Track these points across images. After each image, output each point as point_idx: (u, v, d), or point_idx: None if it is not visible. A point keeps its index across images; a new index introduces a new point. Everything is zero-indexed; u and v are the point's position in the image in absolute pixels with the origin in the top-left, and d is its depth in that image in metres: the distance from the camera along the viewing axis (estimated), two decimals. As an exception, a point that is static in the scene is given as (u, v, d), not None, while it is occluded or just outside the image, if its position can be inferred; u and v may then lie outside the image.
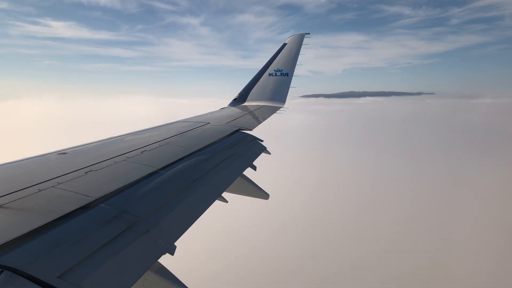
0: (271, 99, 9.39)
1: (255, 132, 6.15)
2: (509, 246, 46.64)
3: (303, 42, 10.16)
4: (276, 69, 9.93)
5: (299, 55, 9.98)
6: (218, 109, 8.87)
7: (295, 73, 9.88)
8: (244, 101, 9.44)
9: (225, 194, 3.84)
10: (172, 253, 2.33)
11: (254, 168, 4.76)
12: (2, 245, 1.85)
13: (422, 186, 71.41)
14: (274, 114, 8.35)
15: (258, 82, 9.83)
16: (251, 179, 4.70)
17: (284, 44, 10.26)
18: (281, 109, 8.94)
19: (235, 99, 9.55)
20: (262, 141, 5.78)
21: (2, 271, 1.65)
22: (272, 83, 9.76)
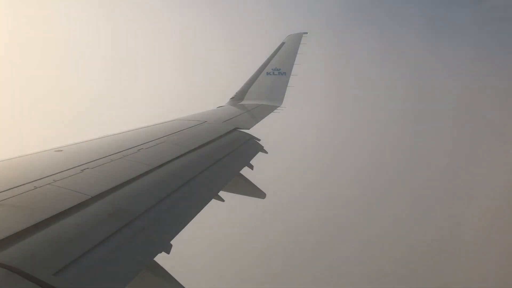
0: (269, 98, 9.39)
1: (252, 131, 6.16)
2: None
3: (301, 41, 10.19)
4: (273, 68, 9.92)
5: (297, 54, 10.01)
6: (215, 107, 8.86)
7: (292, 72, 9.90)
8: (242, 100, 9.43)
9: (221, 193, 3.86)
10: (168, 252, 2.34)
11: (251, 167, 4.77)
12: None
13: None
14: (272, 113, 8.36)
15: (256, 81, 9.83)
16: (248, 178, 4.72)
17: (282, 43, 10.27)
18: (278, 108, 8.95)
19: (232, 98, 9.53)
20: (259, 140, 5.79)
21: None
22: (270, 82, 9.76)
